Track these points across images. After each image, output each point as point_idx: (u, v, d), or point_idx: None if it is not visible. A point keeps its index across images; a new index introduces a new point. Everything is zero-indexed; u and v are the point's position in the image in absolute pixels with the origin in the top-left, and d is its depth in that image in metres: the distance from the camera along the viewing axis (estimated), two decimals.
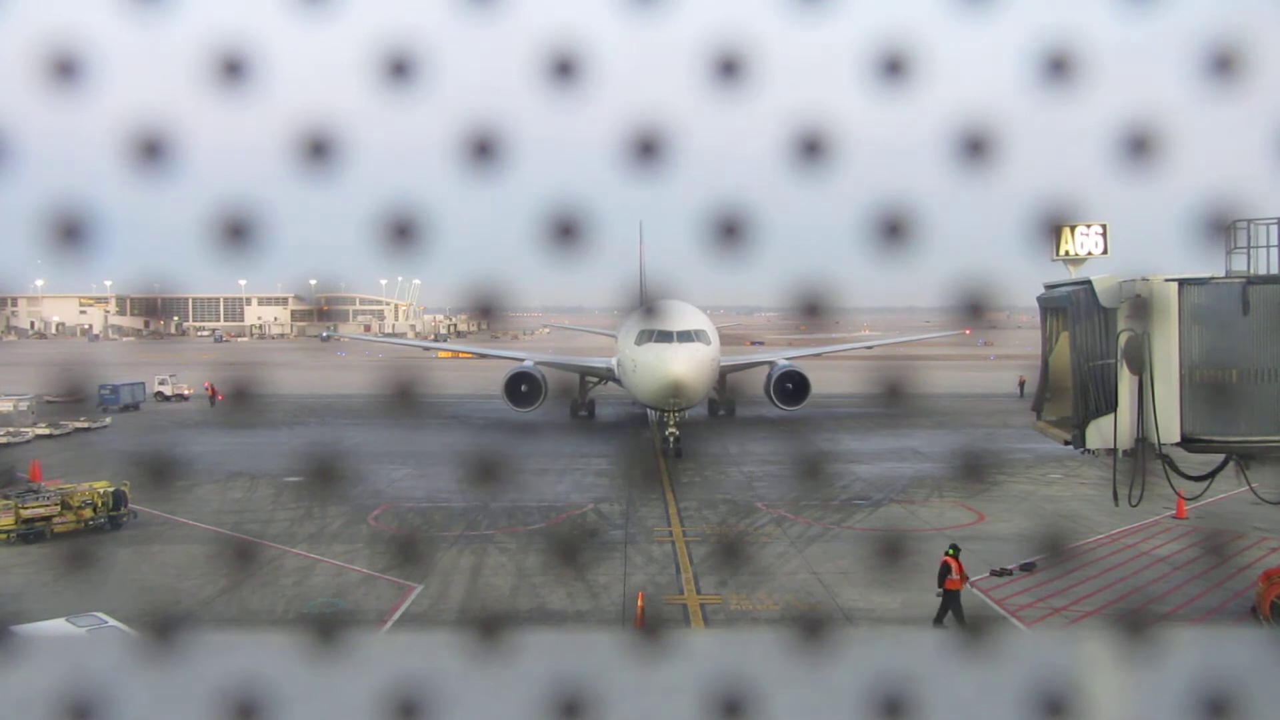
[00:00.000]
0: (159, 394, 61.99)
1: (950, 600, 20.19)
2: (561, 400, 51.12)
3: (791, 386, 47.27)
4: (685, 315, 39.68)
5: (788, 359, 52.16)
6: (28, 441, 45.37)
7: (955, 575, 20.40)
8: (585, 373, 52.47)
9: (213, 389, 57.70)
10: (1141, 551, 26.09)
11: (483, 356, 60.84)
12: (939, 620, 19.89)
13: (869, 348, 65.46)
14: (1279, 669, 2.88)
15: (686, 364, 36.11)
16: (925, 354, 61.91)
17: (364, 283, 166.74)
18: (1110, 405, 16.51)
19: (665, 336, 37.24)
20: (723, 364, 43.77)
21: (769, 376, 48.42)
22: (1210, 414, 16.00)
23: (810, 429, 48.75)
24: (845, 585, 23.04)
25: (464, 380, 56.72)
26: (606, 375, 48.47)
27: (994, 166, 4.11)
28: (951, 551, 20.96)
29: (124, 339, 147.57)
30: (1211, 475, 17.44)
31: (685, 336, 37.39)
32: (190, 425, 51.04)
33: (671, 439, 39.12)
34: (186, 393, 62.57)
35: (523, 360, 50.83)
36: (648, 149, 3.92)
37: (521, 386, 46.31)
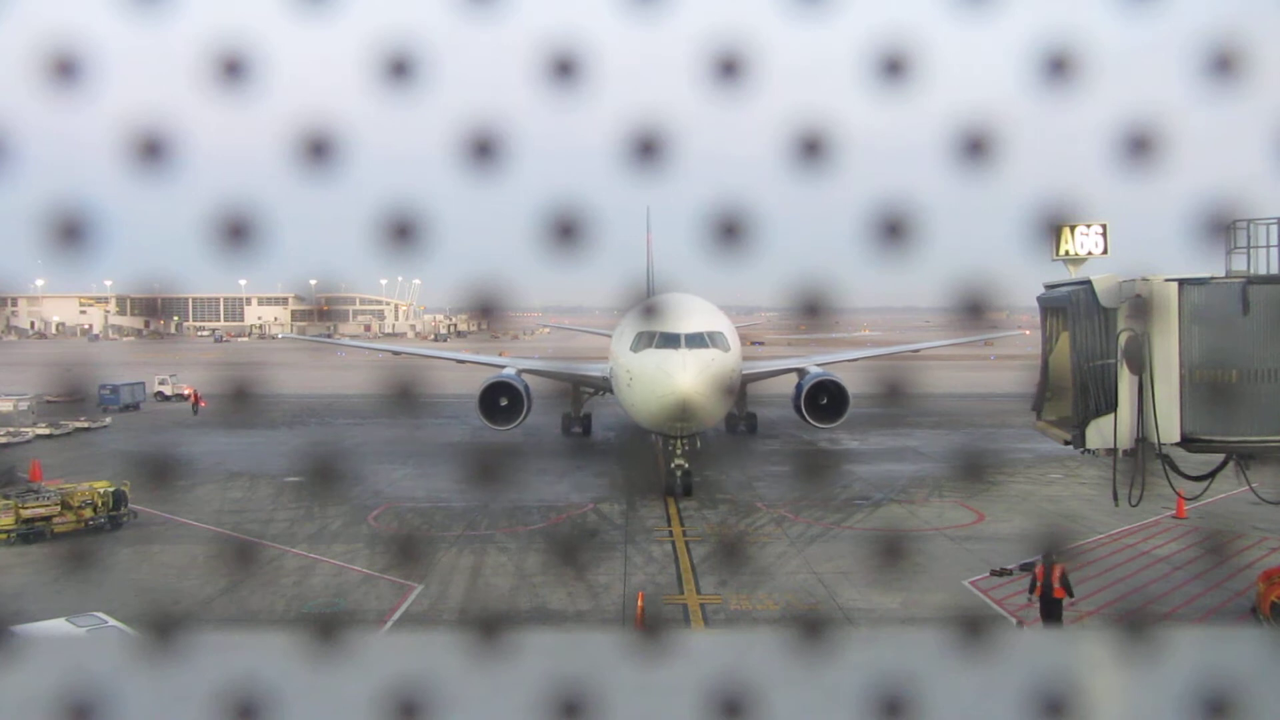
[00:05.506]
0: (159, 394, 62.03)
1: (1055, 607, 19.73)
2: (554, 411, 44.79)
3: (826, 399, 39.29)
4: (696, 313, 31.58)
5: (820, 365, 43.01)
6: (28, 441, 45.36)
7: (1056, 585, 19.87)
8: (579, 382, 44.75)
9: (196, 395, 56.54)
10: (1141, 551, 26.09)
11: (461, 362, 51.79)
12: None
13: (915, 350, 59.32)
14: (1279, 669, 2.89)
15: (697, 377, 28.16)
16: (925, 354, 61.14)
17: (364, 283, 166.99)
18: (1110, 405, 16.50)
19: (670, 340, 29.35)
20: (744, 372, 35.70)
21: (799, 387, 40.12)
22: (1210, 414, 15.99)
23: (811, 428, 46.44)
24: (845, 585, 23.04)
25: (463, 381, 56.21)
26: (603, 385, 40.20)
27: (994, 167, 4.12)
28: (1051, 560, 20.08)
29: (124, 339, 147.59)
30: (1211, 475, 17.43)
31: (696, 340, 29.30)
32: (190, 425, 51.07)
33: (679, 472, 31.59)
34: (186, 393, 62.61)
35: (503, 368, 43.15)
36: (648, 149, 3.92)
37: (500, 399, 39.02)
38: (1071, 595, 19.81)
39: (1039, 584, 19.96)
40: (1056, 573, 19.95)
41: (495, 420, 38.82)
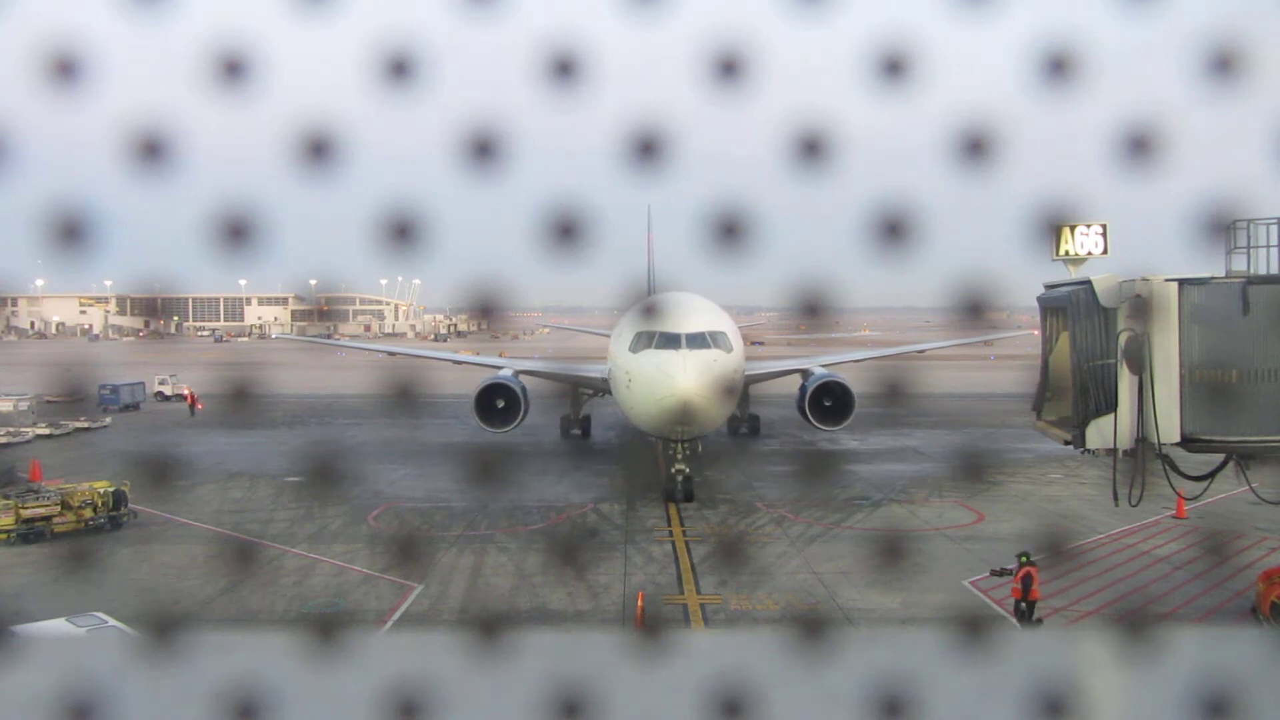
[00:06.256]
0: (159, 394, 62.03)
1: (1030, 608, 20.02)
2: (553, 413, 43.75)
3: (831, 401, 38.19)
4: (697, 312, 30.64)
5: (825, 366, 41.87)
6: (28, 441, 45.37)
7: (1035, 585, 20.15)
8: (578, 383, 43.48)
9: (192, 396, 56.20)
10: (1141, 551, 26.09)
11: (458, 363, 50.04)
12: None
13: (921, 351, 59.04)
14: (1279, 669, 2.89)
15: (699, 379, 27.09)
16: (926, 354, 61.06)
17: (364, 283, 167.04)
18: (1110, 405, 16.50)
19: (670, 340, 28.31)
20: (747, 373, 34.57)
21: (803, 389, 38.96)
22: (1210, 414, 16.00)
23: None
24: (845, 585, 23.04)
25: (462, 381, 55.79)
26: (602, 387, 38.96)
27: (994, 167, 4.12)
28: (1025, 559, 20.50)
29: (124, 339, 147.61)
30: (1211, 475, 17.43)
31: (698, 340, 28.29)
32: (190, 425, 51.07)
33: (679, 478, 30.77)
34: (186, 392, 62.62)
35: (500, 369, 42.08)
36: (648, 149, 3.92)
37: (497, 401, 37.72)
38: (1023, 598, 20.01)
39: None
40: (1019, 574, 20.17)
41: (491, 423, 37.51)
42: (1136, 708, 2.82)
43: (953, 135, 4.07)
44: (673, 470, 30.84)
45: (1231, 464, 17.12)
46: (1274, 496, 16.85)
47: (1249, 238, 16.39)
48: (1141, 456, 16.53)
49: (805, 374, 40.78)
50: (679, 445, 30.50)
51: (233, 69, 3.62)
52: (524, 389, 38.52)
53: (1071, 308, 17.04)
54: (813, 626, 2.83)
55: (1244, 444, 16.29)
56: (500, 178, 3.94)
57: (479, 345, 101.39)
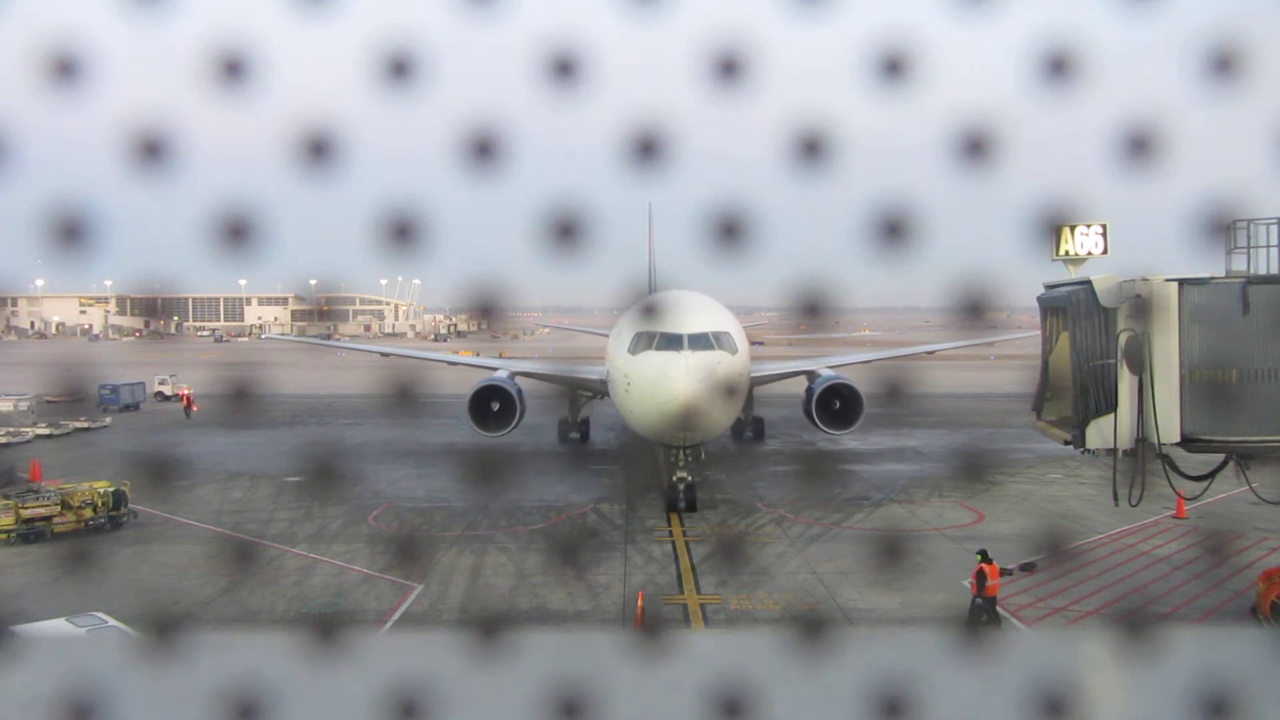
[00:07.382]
0: (159, 394, 62.03)
1: (989, 605, 20.10)
2: (551, 415, 42.76)
3: (839, 404, 36.84)
4: (700, 311, 29.15)
5: (832, 368, 40.51)
6: (28, 441, 45.36)
7: (993, 580, 20.24)
8: (576, 385, 42.09)
9: (188, 398, 55.93)
10: (1141, 551, 26.09)
11: (453, 364, 48.46)
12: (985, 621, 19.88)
13: (930, 352, 57.62)
14: (1279, 669, 2.89)
15: (701, 382, 25.64)
16: (925, 354, 60.97)
17: (364, 283, 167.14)
18: (1110, 405, 16.51)
19: (671, 341, 26.74)
20: (751, 375, 33.07)
21: (809, 391, 37.63)
22: (1210, 414, 16.01)
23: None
24: (845, 585, 23.03)
25: (463, 381, 55.41)
26: (601, 389, 37.08)
27: (994, 167, 4.12)
28: (981, 556, 20.61)
29: (124, 339, 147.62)
30: (1211, 475, 17.44)
31: (700, 341, 26.81)
32: (190, 426, 51.08)
33: (681, 485, 29.51)
34: (182, 393, 62.59)
35: (495, 370, 40.96)
36: (648, 149, 3.92)
37: (492, 404, 36.42)
38: (975, 597, 20.10)
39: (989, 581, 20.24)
40: (975, 571, 20.23)
41: (486, 426, 36.21)
42: (1136, 708, 2.82)
43: (953, 135, 4.07)
44: (675, 478, 29.64)
45: (1231, 464, 17.13)
46: (1274, 496, 16.86)
47: (1249, 238, 16.40)
48: (1141, 456, 16.54)
49: (811, 375, 39.73)
50: (681, 451, 29.40)
51: (233, 69, 3.62)
52: (520, 391, 37.24)
53: (1071, 308, 17.05)
54: (813, 626, 2.83)
55: (1244, 444, 16.30)
56: (500, 178, 3.94)
57: (479, 345, 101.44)
